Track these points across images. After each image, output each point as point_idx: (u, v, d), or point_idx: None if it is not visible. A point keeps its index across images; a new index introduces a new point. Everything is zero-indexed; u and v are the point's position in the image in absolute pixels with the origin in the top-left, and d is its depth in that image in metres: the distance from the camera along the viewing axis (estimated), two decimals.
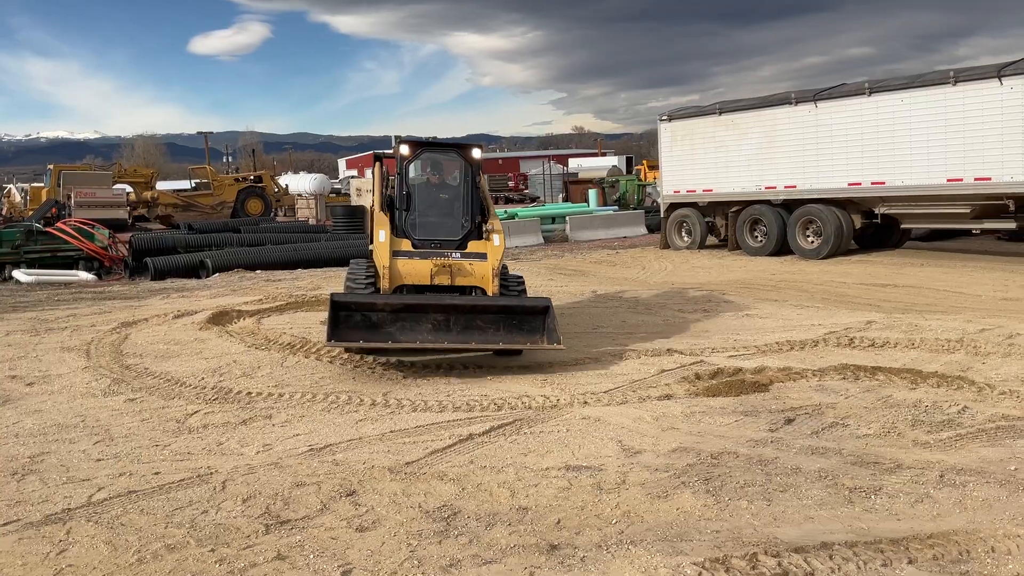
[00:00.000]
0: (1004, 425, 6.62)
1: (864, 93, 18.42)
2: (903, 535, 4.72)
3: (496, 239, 9.56)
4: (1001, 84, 16.16)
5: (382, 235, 9.37)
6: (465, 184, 9.96)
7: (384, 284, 9.24)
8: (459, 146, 10.08)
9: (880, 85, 18.37)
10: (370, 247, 10.98)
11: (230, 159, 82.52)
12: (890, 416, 7.00)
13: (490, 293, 9.37)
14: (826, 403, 7.44)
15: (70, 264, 20.47)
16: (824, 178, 19.19)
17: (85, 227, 21.64)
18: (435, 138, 10.87)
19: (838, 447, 6.29)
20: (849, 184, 18.72)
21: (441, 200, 10.17)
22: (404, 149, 9.79)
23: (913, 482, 5.54)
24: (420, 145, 9.98)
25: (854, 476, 5.69)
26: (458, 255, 9.47)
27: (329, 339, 8.58)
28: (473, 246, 9.60)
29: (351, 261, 10.70)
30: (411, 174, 10.02)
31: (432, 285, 9.35)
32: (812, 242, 19.56)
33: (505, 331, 9.08)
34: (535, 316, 9.17)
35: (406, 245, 9.48)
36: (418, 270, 9.37)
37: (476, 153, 9.93)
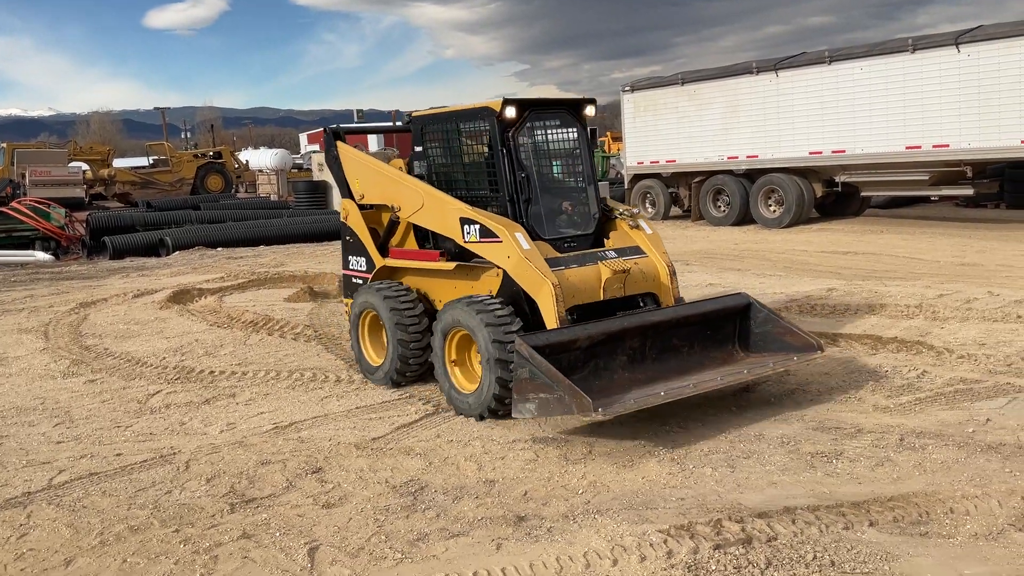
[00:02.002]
0: (962, 388, 6.73)
1: (824, 62, 18.51)
2: (864, 498, 4.80)
3: (646, 226, 7.39)
4: (958, 52, 16.31)
5: (523, 241, 6.59)
6: (582, 156, 7.49)
7: (560, 309, 6.41)
8: (571, 103, 7.49)
9: (840, 54, 18.46)
10: (355, 267, 8.28)
11: (188, 135, 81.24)
12: (851, 381, 7.09)
13: (667, 300, 7.14)
14: (788, 369, 7.51)
15: (26, 244, 20.10)
16: (785, 147, 19.30)
17: (41, 207, 21.26)
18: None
19: (800, 413, 6.37)
20: (810, 153, 18.85)
21: (554, 180, 7.63)
22: (510, 111, 6.90)
23: (873, 446, 5.63)
24: (528, 105, 7.11)
25: (816, 441, 5.76)
26: (613, 254, 7.07)
27: (594, 409, 5.50)
28: (616, 239, 7.29)
29: (385, 294, 7.46)
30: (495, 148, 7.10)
31: (602, 301, 6.89)
32: (774, 211, 19.71)
33: (700, 347, 6.98)
34: (728, 321, 7.16)
35: (549, 250, 6.84)
36: (589, 282, 6.78)
37: (591, 111, 7.45)
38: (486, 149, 7.21)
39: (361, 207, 8.24)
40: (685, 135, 21.45)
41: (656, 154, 22.29)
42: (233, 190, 40.59)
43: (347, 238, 8.40)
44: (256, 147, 63.78)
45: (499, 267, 6.74)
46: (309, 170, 40.80)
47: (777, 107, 19.40)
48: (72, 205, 25.09)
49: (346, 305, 8.46)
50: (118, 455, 6.07)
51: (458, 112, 7.43)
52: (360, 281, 8.19)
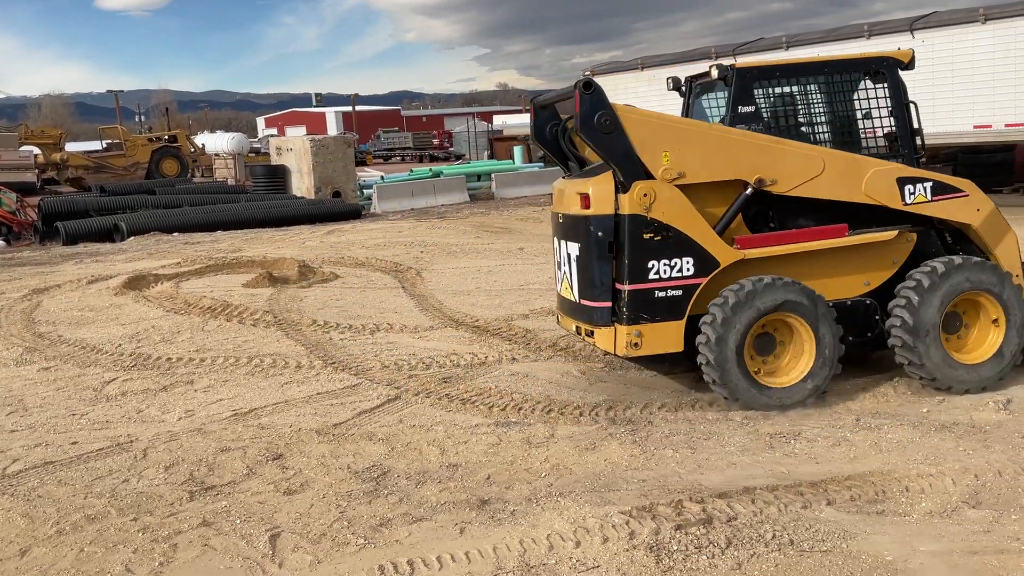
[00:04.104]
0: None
1: (782, 47, 18.68)
2: (822, 477, 4.88)
3: None
4: (913, 37, 16.55)
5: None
6: None
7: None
8: None
9: (797, 39, 18.66)
10: (665, 275, 6.07)
11: (143, 118, 79.74)
12: None
13: None
14: None
15: None
16: None
17: None
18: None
19: None
20: None
21: None
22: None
23: (831, 426, 5.71)
24: None
25: (774, 422, 5.84)
26: None
27: None
28: None
29: (808, 290, 6.12)
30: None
31: None
32: None
33: None
34: None
35: None
36: None
37: None
38: (868, 102, 6.71)
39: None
40: None
41: None
42: (189, 174, 40.00)
43: (649, 236, 6.05)
44: (212, 131, 62.99)
45: (916, 230, 6.47)
46: (267, 154, 40.38)
47: None
48: (23, 190, 24.57)
49: (636, 336, 6.07)
50: (74, 443, 5.97)
51: (828, 63, 6.78)
52: (677, 292, 6.12)
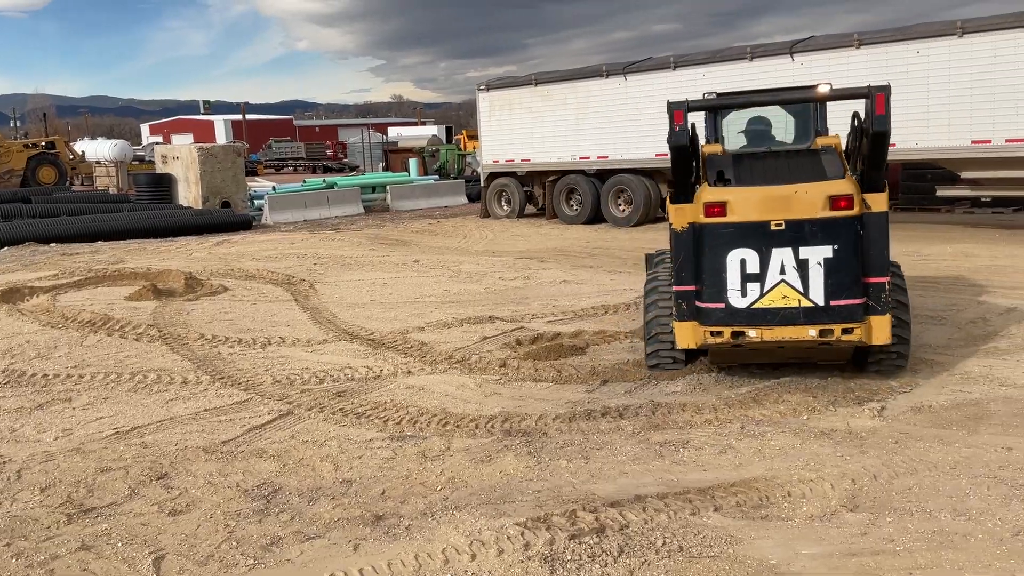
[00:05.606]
0: (796, 378, 7.12)
1: (669, 67, 19.20)
2: (709, 484, 5.02)
3: None
4: (792, 60, 17.27)
5: None
6: None
7: None
8: None
9: (684, 59, 19.20)
10: None
11: (18, 124, 76.11)
12: (669, 373, 7.31)
13: None
14: (638, 363, 7.74)
15: None
16: (633, 149, 19.89)
17: None
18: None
19: (650, 403, 6.58)
20: (656, 155, 19.47)
21: None
22: None
23: (717, 434, 5.88)
24: None
25: (664, 431, 5.98)
26: None
27: None
28: None
29: None
30: None
31: None
32: (623, 210, 20.29)
33: None
34: None
35: None
36: None
37: None
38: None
39: None
40: (539, 135, 21.78)
41: (511, 153, 22.53)
42: (68, 182, 38.39)
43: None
44: (93, 137, 60.63)
45: None
46: (151, 162, 39.12)
47: (625, 110, 19.96)
48: None
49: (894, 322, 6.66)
50: None
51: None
52: None
